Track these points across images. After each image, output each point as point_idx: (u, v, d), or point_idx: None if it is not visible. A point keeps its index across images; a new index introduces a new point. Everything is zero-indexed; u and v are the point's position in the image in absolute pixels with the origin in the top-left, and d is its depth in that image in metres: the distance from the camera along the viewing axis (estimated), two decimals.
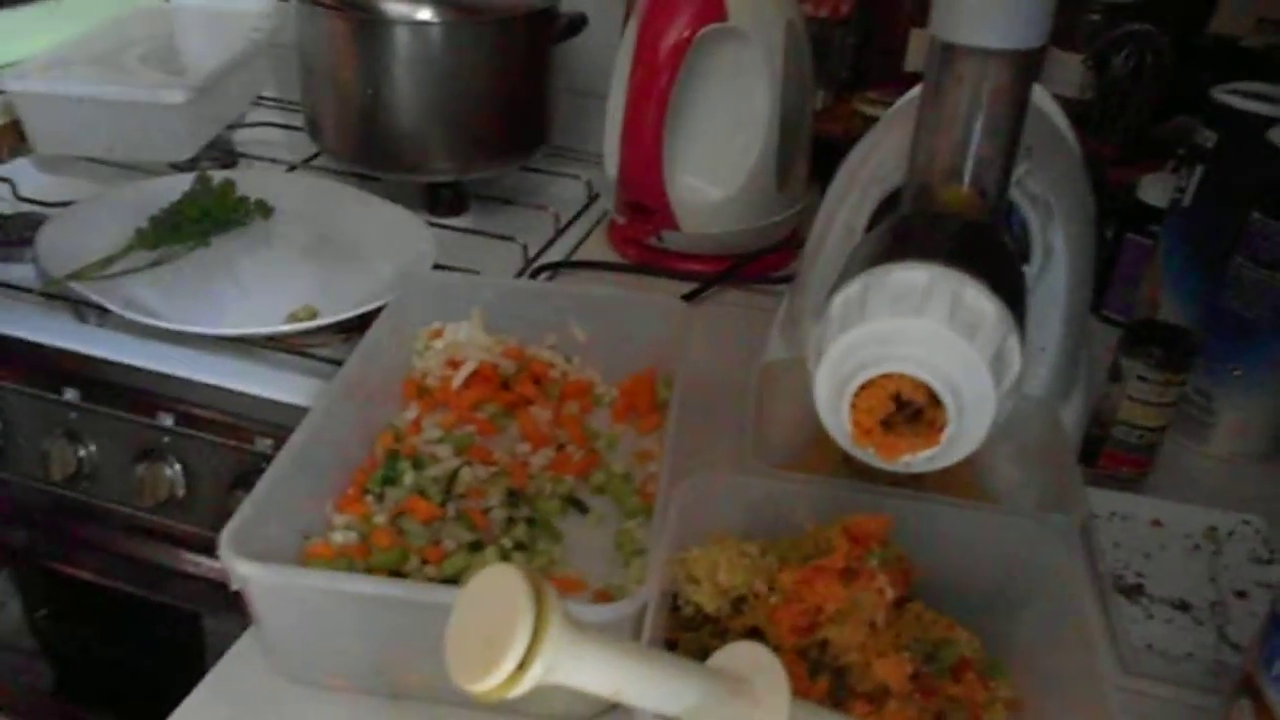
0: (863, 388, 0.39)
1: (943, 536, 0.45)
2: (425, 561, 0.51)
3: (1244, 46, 0.89)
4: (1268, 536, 0.58)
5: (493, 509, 0.55)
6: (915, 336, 0.38)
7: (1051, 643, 0.42)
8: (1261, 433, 0.65)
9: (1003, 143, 0.44)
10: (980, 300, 0.39)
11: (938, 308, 0.38)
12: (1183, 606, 0.53)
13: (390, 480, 0.56)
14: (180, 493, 0.74)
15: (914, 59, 0.99)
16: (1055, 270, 0.52)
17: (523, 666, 0.28)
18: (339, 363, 0.71)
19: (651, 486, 0.58)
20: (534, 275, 0.83)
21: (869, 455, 0.40)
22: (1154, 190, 0.76)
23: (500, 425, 0.63)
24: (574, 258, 0.88)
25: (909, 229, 0.44)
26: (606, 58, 1.05)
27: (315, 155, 1.01)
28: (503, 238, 0.89)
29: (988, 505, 0.47)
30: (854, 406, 0.39)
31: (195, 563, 0.79)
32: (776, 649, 0.41)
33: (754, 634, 0.42)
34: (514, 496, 0.56)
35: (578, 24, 0.94)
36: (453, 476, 0.57)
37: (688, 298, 0.78)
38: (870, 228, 0.52)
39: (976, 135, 0.44)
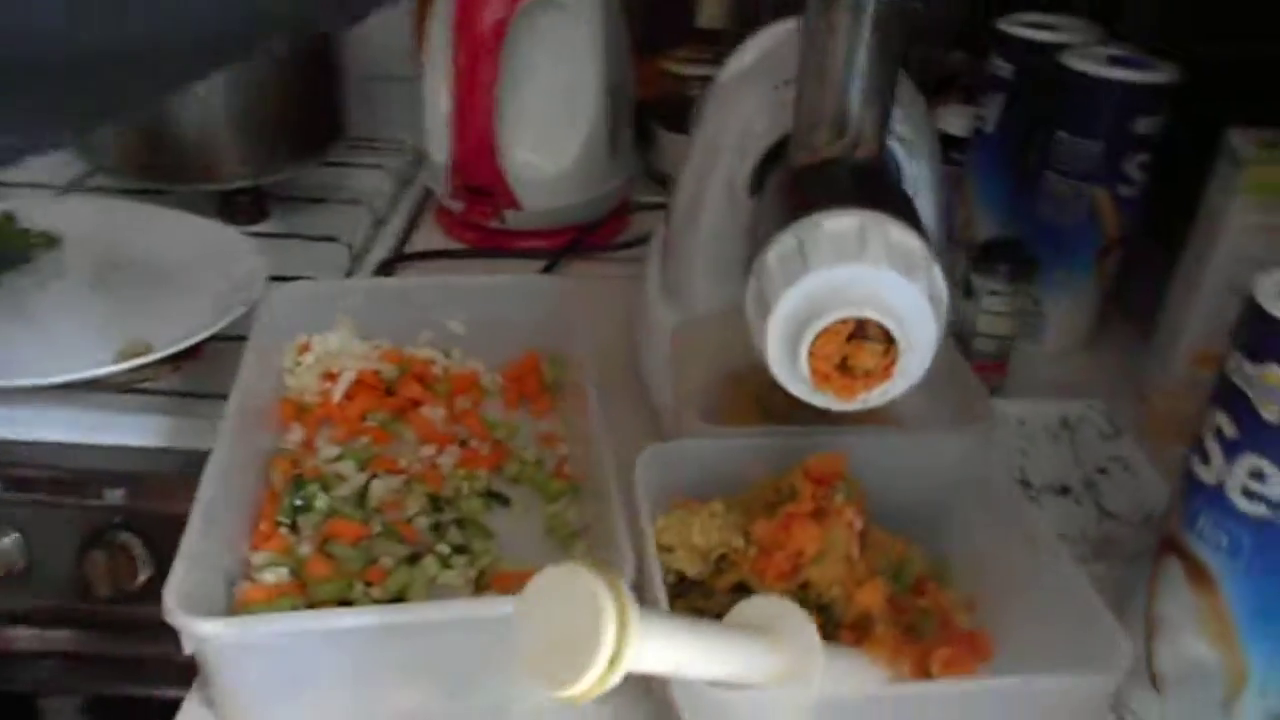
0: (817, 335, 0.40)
1: (877, 465, 0.47)
2: (369, 584, 0.48)
3: None
4: (1108, 415, 0.65)
5: (416, 517, 0.53)
6: (862, 279, 0.40)
7: (995, 543, 0.45)
8: (1084, 325, 0.73)
9: (882, 88, 0.47)
10: (906, 237, 0.41)
11: (874, 250, 0.40)
12: (1063, 490, 0.59)
13: (302, 508, 0.53)
14: (20, 565, 0.67)
15: (706, 15, 1.02)
16: (923, 204, 0.55)
17: (613, 662, 0.27)
18: (183, 395, 0.67)
19: (568, 468, 0.58)
20: (380, 272, 0.79)
21: (826, 399, 0.41)
22: (953, 121, 0.82)
23: (394, 432, 0.60)
24: (407, 249, 0.85)
25: (813, 179, 0.46)
26: (392, 38, 1.02)
27: (89, 174, 0.92)
28: (323, 239, 0.85)
29: (913, 430, 0.50)
30: (811, 355, 0.40)
31: (42, 638, 0.72)
32: None
33: (740, 588, 0.43)
34: (435, 501, 0.54)
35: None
36: (364, 492, 0.55)
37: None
38: (755, 184, 0.54)
39: (859, 83, 0.46)
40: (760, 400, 0.56)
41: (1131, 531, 0.57)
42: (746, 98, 0.57)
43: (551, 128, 0.78)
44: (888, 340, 0.40)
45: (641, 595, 0.40)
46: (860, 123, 0.47)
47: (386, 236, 0.90)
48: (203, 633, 0.38)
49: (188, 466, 0.65)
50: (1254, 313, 0.38)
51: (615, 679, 0.28)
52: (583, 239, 0.82)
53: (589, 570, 0.28)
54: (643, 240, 0.83)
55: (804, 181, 0.47)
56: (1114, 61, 0.66)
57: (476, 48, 0.73)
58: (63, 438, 0.65)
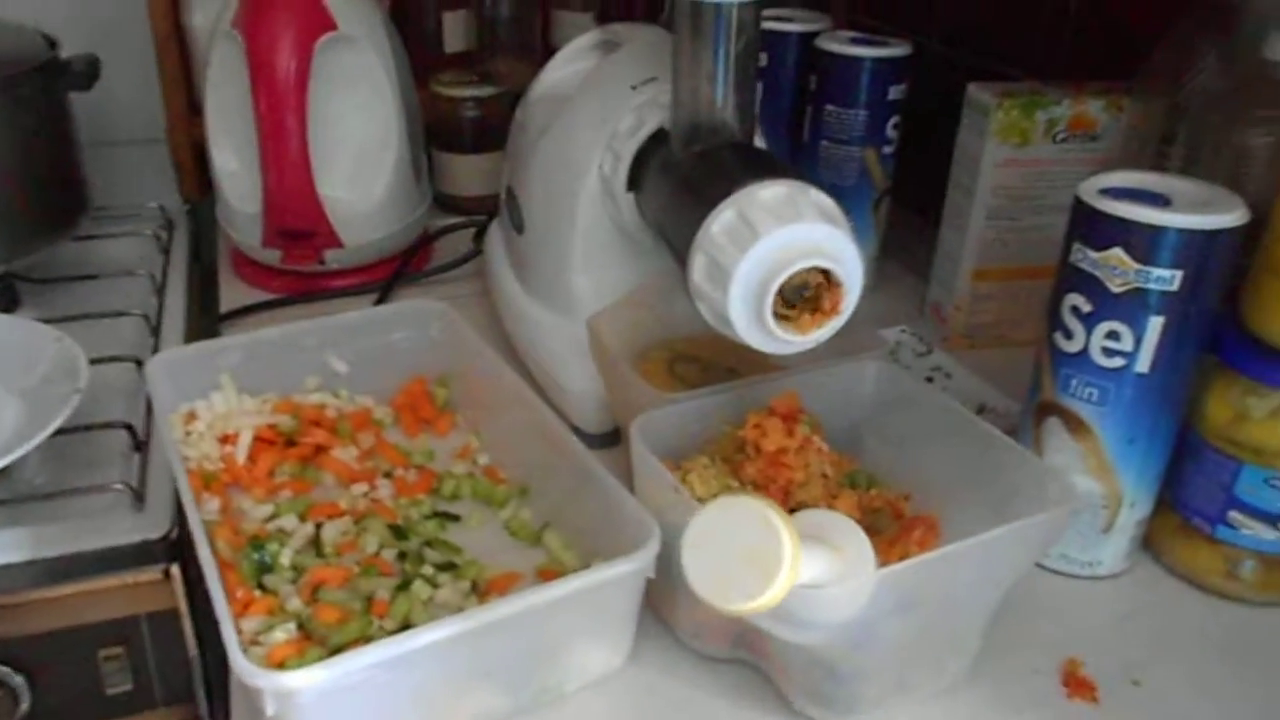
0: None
1: (810, 398, 0.54)
2: (378, 618, 0.48)
3: None
4: (919, 336, 0.77)
5: (382, 551, 0.54)
6: (805, 236, 0.46)
7: (918, 438, 0.54)
8: (868, 270, 0.85)
9: (748, 76, 0.54)
10: (821, 196, 0.48)
11: (807, 210, 0.47)
12: None
13: (266, 568, 0.51)
14: None
15: (450, 40, 1.05)
16: None
17: (792, 570, 0.32)
18: (12, 502, 0.61)
19: (503, 472, 0.60)
20: (207, 335, 0.76)
21: (785, 344, 0.48)
22: None
23: (310, 480, 0.59)
24: (224, 309, 0.81)
25: (716, 160, 0.52)
26: (130, 100, 0.96)
27: None
28: (110, 315, 0.80)
29: (833, 363, 0.57)
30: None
31: None
32: None
33: None
34: (397, 531, 0.55)
35: (92, 69, 0.85)
36: (317, 539, 0.54)
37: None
38: (632, 180, 0.59)
39: (732, 73, 0.53)
40: (672, 371, 0.61)
41: None
42: (601, 103, 0.62)
43: (360, 162, 0.79)
44: (830, 285, 0.47)
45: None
46: (736, 110, 0.54)
47: (174, 303, 0.85)
48: (295, 685, 0.38)
49: (48, 578, 0.60)
50: (1087, 211, 0.49)
51: (788, 588, 0.33)
52: (405, 267, 0.83)
53: (751, 498, 0.32)
54: (456, 262, 0.85)
55: (705, 166, 0.53)
56: (855, 42, 0.78)
57: (279, 92, 0.72)
58: None
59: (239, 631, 0.47)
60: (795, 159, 0.84)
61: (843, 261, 0.47)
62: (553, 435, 0.54)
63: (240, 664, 0.38)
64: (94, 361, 0.67)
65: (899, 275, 0.87)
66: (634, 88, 0.60)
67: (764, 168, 0.50)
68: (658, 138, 0.58)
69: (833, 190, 0.79)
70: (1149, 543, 0.57)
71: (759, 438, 0.49)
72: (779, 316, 0.47)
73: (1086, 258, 0.50)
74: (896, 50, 0.77)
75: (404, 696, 0.42)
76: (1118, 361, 0.50)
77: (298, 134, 0.73)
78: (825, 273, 0.47)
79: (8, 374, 0.68)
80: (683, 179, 0.54)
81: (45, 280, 0.85)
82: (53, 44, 0.83)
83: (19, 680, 0.61)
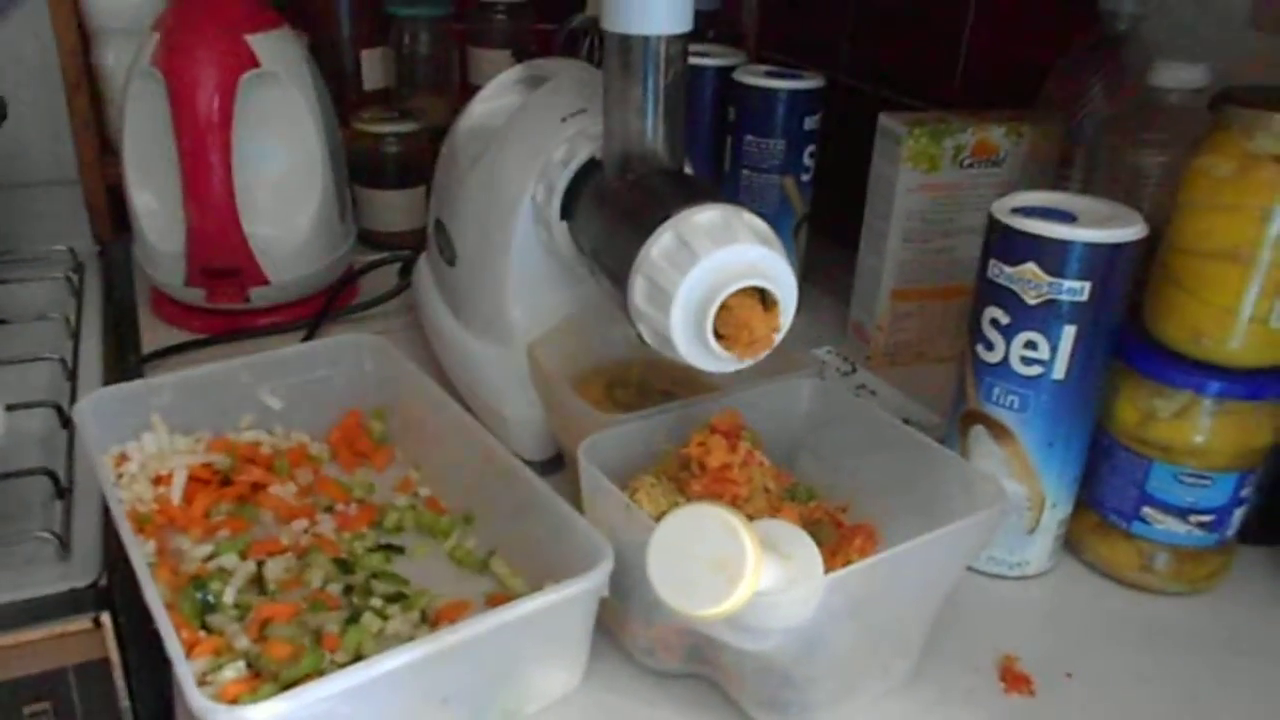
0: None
1: (747, 415, 0.56)
2: (330, 652, 0.48)
3: None
4: (843, 355, 0.80)
5: (328, 585, 0.53)
6: (741, 257, 0.48)
7: (851, 450, 0.56)
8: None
9: (678, 106, 0.56)
10: (754, 219, 0.50)
11: (743, 232, 0.49)
12: None
13: (209, 608, 0.50)
14: None
15: (369, 78, 1.05)
16: None
17: (755, 577, 0.33)
18: None
19: (445, 502, 0.60)
20: (132, 377, 0.74)
21: (725, 363, 0.49)
22: None
23: (248, 518, 0.58)
24: (146, 351, 0.79)
25: (650, 187, 0.54)
26: (37, 140, 0.94)
27: None
28: (24, 361, 0.77)
29: (767, 382, 0.59)
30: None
31: None
32: None
33: None
34: (341, 565, 0.54)
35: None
36: (259, 577, 0.53)
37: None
38: (564, 208, 0.60)
39: (661, 104, 0.55)
40: (610, 395, 0.62)
41: None
42: (532, 134, 0.63)
43: (284, 199, 0.78)
44: (765, 304, 0.49)
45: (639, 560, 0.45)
46: (667, 139, 0.55)
47: (89, 346, 0.83)
48: (257, 719, 0.37)
49: None
50: (1001, 229, 0.52)
51: (751, 594, 0.34)
52: (332, 302, 0.82)
53: (714, 507, 0.34)
54: (386, 296, 0.85)
55: (639, 192, 0.54)
56: (770, 75, 0.82)
57: (201, 129, 0.72)
58: None
59: (194, 671, 0.47)
60: (721, 186, 0.86)
61: (778, 281, 0.49)
62: (498, 462, 0.55)
63: (198, 701, 0.37)
64: (10, 408, 0.65)
65: (819, 298, 0.90)
66: (564, 119, 0.62)
67: (698, 193, 0.51)
68: (590, 167, 0.60)
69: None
70: (1070, 541, 0.60)
71: (703, 455, 0.50)
72: (723, 338, 0.48)
73: (1003, 273, 0.53)
74: (810, 83, 0.80)
75: None
76: (1036, 370, 0.53)
77: (221, 172, 0.73)
78: (761, 292, 0.49)
79: None
80: (618, 206, 0.55)
81: None
82: None
83: None
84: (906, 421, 0.71)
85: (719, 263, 0.48)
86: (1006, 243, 0.52)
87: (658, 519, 0.49)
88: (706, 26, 0.96)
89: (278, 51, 0.75)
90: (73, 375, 0.78)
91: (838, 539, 0.53)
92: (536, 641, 0.46)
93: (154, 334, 0.82)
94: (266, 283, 0.78)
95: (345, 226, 0.85)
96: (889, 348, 0.80)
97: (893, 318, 0.79)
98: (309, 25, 0.99)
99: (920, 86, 0.89)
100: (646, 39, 0.53)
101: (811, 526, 0.53)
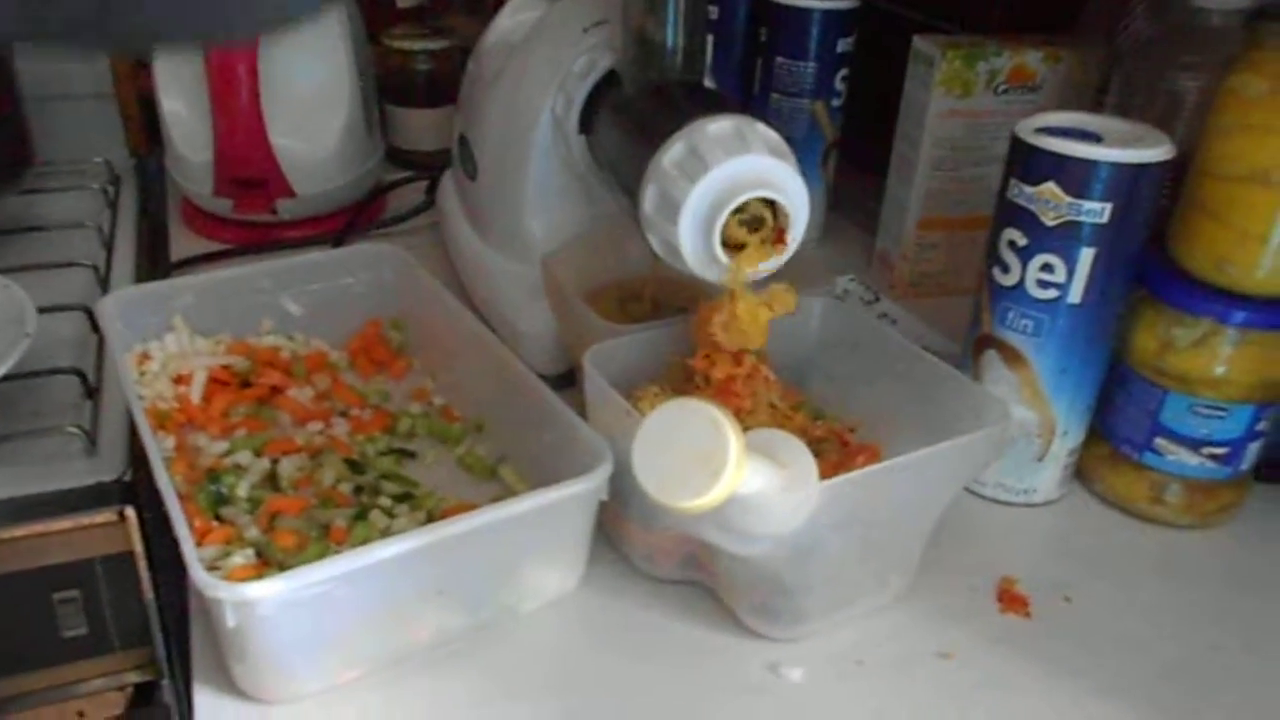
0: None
1: None
2: (337, 544, 0.49)
3: None
4: (866, 284, 0.79)
5: (339, 484, 0.54)
6: (752, 167, 0.47)
7: (862, 372, 0.56)
8: (817, 219, 0.87)
9: (698, 17, 0.55)
10: (769, 131, 0.50)
11: (755, 142, 0.48)
12: None
13: (223, 500, 0.52)
14: None
15: None
16: None
17: (738, 468, 0.34)
18: None
19: (458, 411, 0.61)
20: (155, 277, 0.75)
21: (736, 276, 0.49)
22: None
23: (265, 419, 0.60)
24: (175, 259, 0.81)
25: (665, 99, 0.53)
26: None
27: None
28: (61, 265, 0.79)
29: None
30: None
31: None
32: None
33: None
34: (353, 465, 0.55)
35: None
36: (273, 474, 0.54)
37: None
38: (584, 120, 0.60)
39: (681, 15, 0.54)
40: (623, 309, 0.63)
41: None
42: (555, 46, 0.62)
43: (312, 114, 0.79)
44: (774, 216, 0.48)
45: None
46: (688, 49, 0.55)
47: (122, 254, 0.84)
48: (256, 595, 0.38)
49: (6, 519, 0.60)
50: (1024, 148, 0.51)
51: (732, 486, 0.34)
52: (357, 217, 0.83)
53: (699, 402, 0.34)
54: (411, 212, 0.85)
55: (657, 103, 0.54)
56: None
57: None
58: None
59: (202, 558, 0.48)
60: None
61: (789, 193, 0.48)
62: (509, 372, 0.55)
63: (200, 577, 0.39)
64: (42, 310, 0.67)
65: (846, 227, 0.89)
66: (585, 30, 0.61)
67: (713, 103, 0.51)
68: (609, 80, 0.59)
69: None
70: (1080, 471, 0.59)
71: (708, 367, 0.50)
72: (731, 247, 0.48)
73: (1022, 193, 0.52)
74: (844, 3, 0.78)
75: (363, 611, 0.43)
76: (1051, 293, 0.52)
77: (249, 83, 0.73)
78: (772, 204, 0.48)
79: None
80: (634, 117, 0.55)
81: None
82: None
83: None
84: (925, 350, 0.71)
85: (729, 172, 0.47)
86: (1027, 161, 0.51)
87: None
88: None
89: None
90: (104, 281, 0.79)
91: (840, 457, 0.53)
92: (534, 541, 0.47)
93: (184, 243, 0.83)
94: (293, 195, 0.78)
95: (373, 143, 0.85)
96: (914, 277, 0.79)
97: (918, 247, 0.78)
98: None
99: (954, 12, 0.87)
100: None
101: (816, 444, 0.53)
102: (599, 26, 0.61)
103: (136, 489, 0.62)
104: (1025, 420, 0.55)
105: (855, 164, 0.91)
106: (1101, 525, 0.57)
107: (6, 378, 0.63)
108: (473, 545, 0.44)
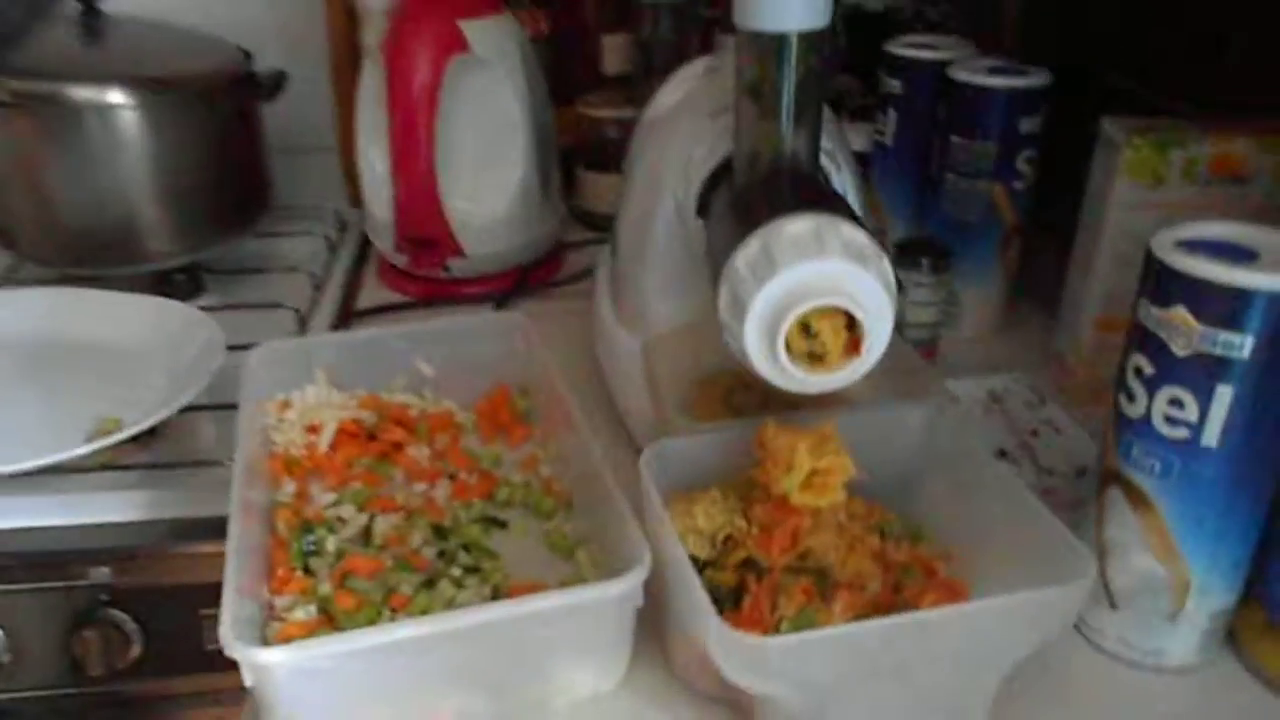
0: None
1: (847, 441, 0.52)
2: (393, 610, 0.51)
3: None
4: (1031, 385, 0.72)
5: (422, 548, 0.56)
6: (824, 273, 0.45)
7: (962, 498, 0.51)
8: (995, 308, 0.81)
9: (812, 110, 0.53)
10: (855, 234, 0.47)
11: (831, 246, 0.45)
12: (1002, 454, 0.65)
13: (313, 551, 0.55)
14: (5, 659, 0.67)
15: (609, 63, 1.08)
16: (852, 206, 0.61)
17: None
18: (155, 467, 0.68)
19: (557, 485, 0.62)
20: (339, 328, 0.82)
21: (801, 383, 0.46)
22: (853, 139, 0.89)
23: (382, 474, 0.63)
24: (359, 308, 0.87)
25: (763, 193, 0.51)
26: (311, 111, 1.05)
27: (14, 267, 0.93)
28: (268, 306, 0.87)
29: (879, 405, 0.55)
30: (787, 344, 0.45)
31: None
32: (769, 569, 0.47)
33: (748, 563, 0.47)
34: (439, 530, 0.57)
35: (279, 82, 0.93)
36: (368, 530, 0.57)
37: None
38: (700, 206, 0.59)
39: (791, 104, 0.52)
40: (728, 400, 0.61)
41: (1067, 483, 0.63)
42: (684, 129, 0.62)
43: (486, 176, 0.83)
44: (850, 325, 0.45)
45: (662, 575, 0.44)
46: (796, 141, 0.53)
47: (328, 299, 0.92)
48: (267, 661, 0.40)
49: (169, 537, 0.67)
50: (1155, 265, 0.45)
51: None
52: (526, 279, 0.86)
53: None
54: (581, 275, 0.87)
55: (755, 195, 0.52)
56: (993, 71, 0.74)
57: (411, 108, 0.77)
58: (39, 522, 0.66)
59: (271, 606, 0.52)
60: (922, 192, 0.81)
61: (863, 302, 0.45)
62: (587, 454, 0.55)
63: (224, 631, 0.41)
64: (233, 348, 0.74)
65: (1036, 319, 0.81)
66: (712, 115, 0.60)
67: (807, 200, 0.49)
68: (728, 166, 0.58)
69: (957, 226, 0.77)
70: (1233, 637, 0.51)
71: (766, 479, 0.48)
72: (810, 356, 0.46)
73: (1150, 315, 0.45)
74: (1030, 81, 0.73)
75: (379, 689, 0.44)
76: (1181, 432, 0.45)
77: (426, 148, 0.78)
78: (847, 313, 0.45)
79: (160, 352, 0.77)
80: (727, 208, 0.53)
81: (226, 271, 0.94)
82: (248, 57, 0.92)
83: (133, 627, 0.68)
84: (1083, 471, 0.64)
85: (799, 277, 0.45)
86: (1156, 280, 0.45)
87: (709, 537, 0.47)
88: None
89: (490, 38, 0.79)
90: (303, 323, 0.87)
91: (920, 589, 0.48)
92: (562, 638, 0.46)
93: (373, 294, 0.90)
94: (463, 254, 0.83)
95: (549, 205, 0.88)
96: (1091, 382, 0.71)
97: (1097, 349, 0.70)
98: (555, 10, 1.03)
99: (1189, 82, 0.77)
100: (779, 35, 0.50)
101: (897, 571, 0.49)
102: (727, 112, 0.60)
103: None
104: (1150, 572, 0.48)
105: (1056, 251, 0.83)
106: (1248, 705, 0.49)
107: (191, 408, 0.71)
108: (495, 635, 0.44)
